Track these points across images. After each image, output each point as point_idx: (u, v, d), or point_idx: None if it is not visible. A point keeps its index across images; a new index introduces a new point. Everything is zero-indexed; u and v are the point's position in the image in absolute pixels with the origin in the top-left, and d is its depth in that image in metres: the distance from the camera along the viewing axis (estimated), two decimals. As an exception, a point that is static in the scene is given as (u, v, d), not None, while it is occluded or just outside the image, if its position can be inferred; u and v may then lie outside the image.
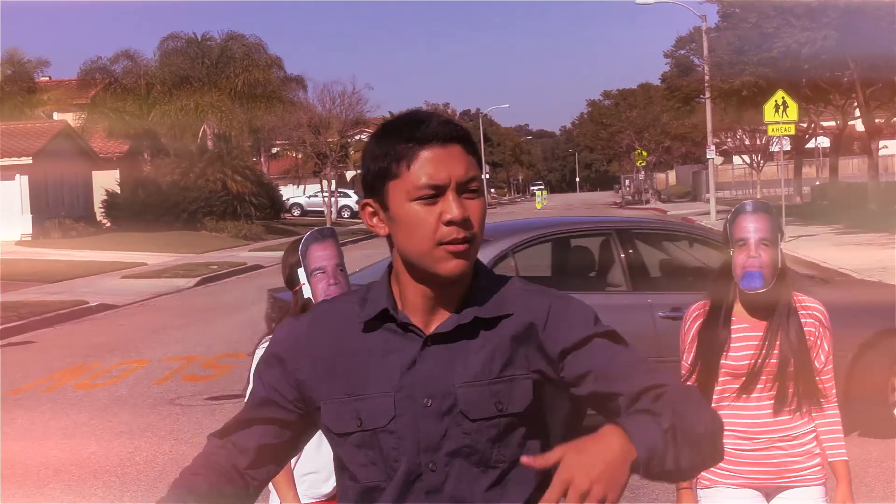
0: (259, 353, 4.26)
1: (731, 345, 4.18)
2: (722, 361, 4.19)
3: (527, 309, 2.24)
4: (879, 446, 8.77)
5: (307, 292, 4.13)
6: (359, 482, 2.24)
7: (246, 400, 2.46)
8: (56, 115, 53.53)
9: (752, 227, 4.11)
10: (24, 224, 41.54)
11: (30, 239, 40.79)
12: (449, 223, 2.13)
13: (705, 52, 45.70)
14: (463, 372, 2.19)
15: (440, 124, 2.17)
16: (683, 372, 4.31)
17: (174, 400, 12.02)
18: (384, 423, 2.18)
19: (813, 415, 4.20)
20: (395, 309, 2.23)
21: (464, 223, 2.13)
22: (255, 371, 2.38)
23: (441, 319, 2.23)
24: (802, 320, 4.19)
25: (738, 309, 4.23)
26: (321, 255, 4.09)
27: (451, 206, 2.13)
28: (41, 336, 18.58)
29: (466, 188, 2.16)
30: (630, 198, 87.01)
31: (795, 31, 33.84)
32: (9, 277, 28.74)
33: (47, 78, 59.80)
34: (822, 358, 4.20)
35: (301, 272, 4.14)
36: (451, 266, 2.16)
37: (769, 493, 4.21)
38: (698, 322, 4.27)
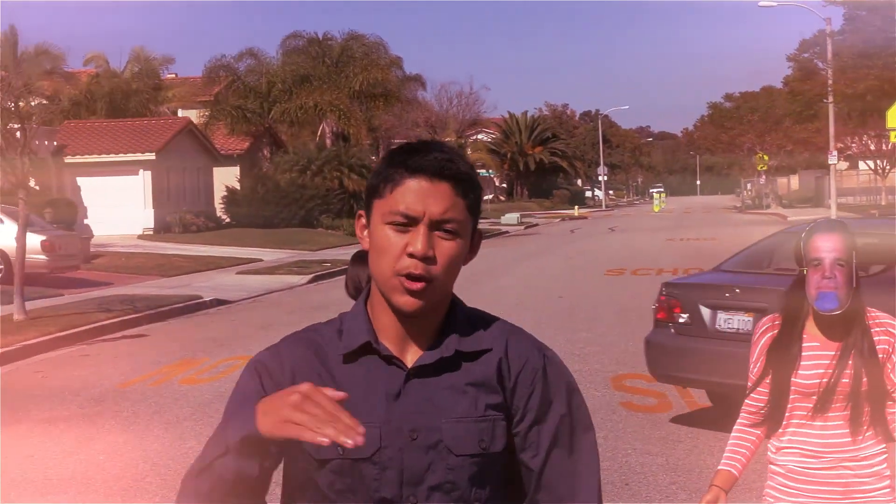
0: None
1: (801, 363, 4.14)
2: (792, 379, 4.15)
3: (503, 349, 2.29)
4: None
5: None
6: None
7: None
8: (180, 112, 54.71)
9: (827, 247, 4.05)
10: (146, 218, 42.55)
11: (151, 233, 41.78)
12: (411, 255, 2.14)
13: (829, 55, 44.82)
14: (449, 407, 2.22)
15: (436, 159, 2.17)
16: (749, 384, 4.28)
17: (275, 397, 12.19)
18: (369, 454, 2.18)
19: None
20: (377, 341, 2.24)
21: (426, 259, 2.14)
22: (238, 382, 2.34)
23: (415, 349, 2.25)
24: (875, 337, 4.12)
25: (809, 326, 4.18)
26: None
27: (416, 240, 2.14)
28: (155, 329, 19.02)
29: (441, 227, 2.17)
30: (750, 202, 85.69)
31: (922, 34, 33.02)
32: (129, 271, 29.52)
33: (173, 75, 61.14)
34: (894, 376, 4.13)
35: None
36: (403, 300, 2.17)
37: None
38: (767, 336, 4.23)
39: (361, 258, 4.52)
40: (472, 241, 2.27)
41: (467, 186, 2.20)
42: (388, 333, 2.25)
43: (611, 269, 28.91)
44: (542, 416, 2.29)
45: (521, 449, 2.29)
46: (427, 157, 2.18)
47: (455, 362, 2.25)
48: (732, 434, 4.33)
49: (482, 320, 2.33)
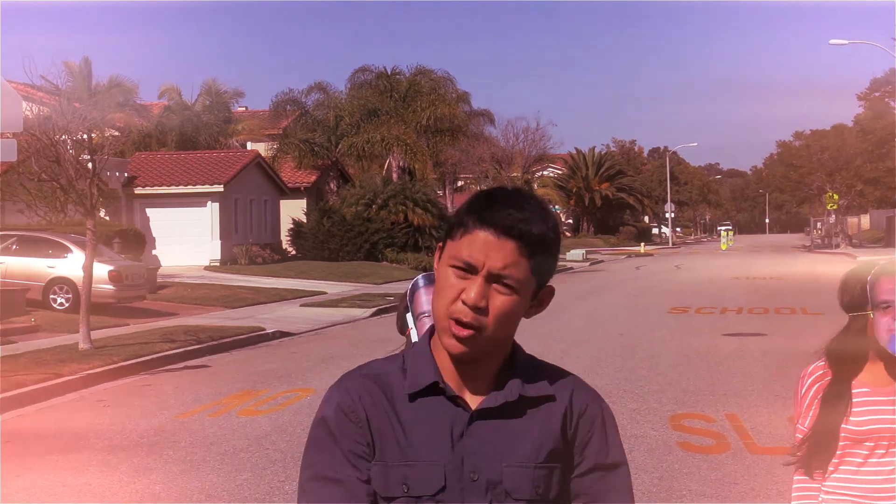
0: None
1: (853, 409, 4.08)
2: (843, 426, 4.09)
3: (565, 396, 2.36)
4: None
5: (415, 336, 4.19)
6: None
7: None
8: (248, 145, 55.34)
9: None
10: (213, 250, 43.00)
11: (218, 264, 42.19)
12: (463, 302, 2.19)
13: (900, 94, 44.31)
14: (510, 452, 2.27)
15: (509, 216, 2.21)
16: (800, 436, 4.21)
17: (331, 430, 12.22)
18: (432, 493, 2.24)
19: None
20: (444, 381, 2.29)
21: (476, 309, 2.19)
22: (327, 430, 2.35)
23: (476, 390, 2.30)
24: None
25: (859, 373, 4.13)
26: (430, 298, 4.15)
27: (471, 288, 2.20)
28: (217, 360, 19.18)
29: (500, 281, 2.21)
30: (819, 241, 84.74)
31: None
32: (194, 301, 29.82)
33: (242, 108, 61.92)
34: None
35: (409, 317, 4.21)
36: (449, 343, 2.23)
37: None
38: (818, 384, 4.17)
39: (405, 295, 4.55)
40: (539, 296, 2.32)
41: (536, 247, 2.23)
42: (449, 374, 2.31)
43: (675, 306, 28.71)
44: (594, 465, 2.36)
45: (574, 495, 2.36)
46: (501, 212, 2.22)
47: (519, 407, 2.30)
48: (796, 488, 4.24)
49: (543, 368, 2.39)
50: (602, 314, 27.18)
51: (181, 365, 18.48)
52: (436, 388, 2.29)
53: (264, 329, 23.21)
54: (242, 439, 11.83)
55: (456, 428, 2.26)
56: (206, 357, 19.52)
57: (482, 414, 2.27)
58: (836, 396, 4.11)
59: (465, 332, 2.19)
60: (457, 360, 2.27)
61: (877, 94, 58.28)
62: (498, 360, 2.32)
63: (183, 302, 29.84)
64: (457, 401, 2.28)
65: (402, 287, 36.97)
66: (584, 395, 2.38)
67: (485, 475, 2.24)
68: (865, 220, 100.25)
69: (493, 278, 2.20)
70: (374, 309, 28.95)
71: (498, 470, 2.24)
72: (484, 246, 2.19)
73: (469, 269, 2.20)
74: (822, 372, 4.18)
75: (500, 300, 2.21)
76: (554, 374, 2.38)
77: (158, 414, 13.53)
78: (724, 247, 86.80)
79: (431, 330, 2.36)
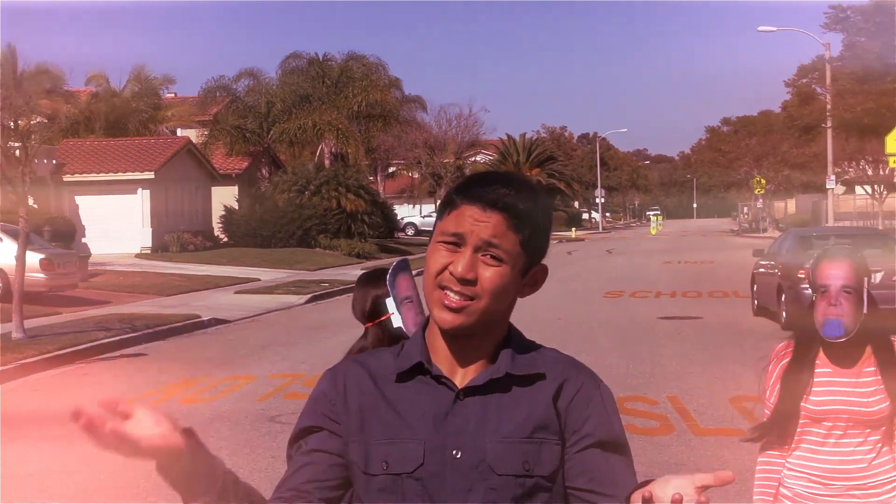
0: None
1: (813, 388, 4.13)
2: (802, 405, 4.14)
3: (558, 375, 2.32)
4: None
5: (397, 321, 4.17)
6: None
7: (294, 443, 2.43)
8: (179, 132, 54.79)
9: (834, 274, 4.05)
10: (143, 237, 42.55)
11: (149, 252, 41.77)
12: (451, 274, 2.19)
13: (828, 80, 44.96)
14: (495, 428, 2.24)
15: (494, 191, 2.22)
16: (766, 412, 4.27)
17: (275, 417, 12.19)
18: (411, 470, 2.21)
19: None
20: (429, 361, 2.28)
21: (463, 280, 2.19)
22: (302, 414, 2.40)
23: (469, 372, 2.29)
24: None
25: (823, 352, 4.18)
26: (410, 283, 4.15)
27: (459, 259, 2.20)
28: (154, 349, 18.99)
29: (488, 252, 2.21)
30: (747, 225, 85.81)
31: (921, 60, 33.14)
32: (126, 289, 29.50)
33: (172, 95, 61.27)
34: None
35: (390, 301, 4.19)
36: (441, 315, 2.22)
37: None
38: (783, 363, 4.23)
39: (368, 280, 4.54)
40: (531, 274, 2.31)
41: (523, 221, 2.23)
42: (442, 355, 2.30)
43: (610, 291, 28.92)
44: (595, 441, 2.30)
45: (575, 474, 2.29)
46: (487, 188, 2.23)
47: (506, 384, 2.28)
48: (759, 469, 4.30)
49: (538, 349, 2.38)
50: (537, 299, 27.02)
51: (118, 353, 18.28)
52: (422, 369, 2.28)
53: (200, 316, 23.02)
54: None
55: (441, 407, 2.24)
56: (143, 345, 19.32)
57: (468, 392, 2.25)
58: (795, 375, 4.17)
59: (457, 303, 2.19)
60: (450, 335, 2.25)
61: (804, 81, 59.06)
62: (491, 340, 2.30)
63: (115, 290, 29.49)
64: (440, 379, 2.26)
65: (336, 273, 36.96)
66: (579, 374, 2.34)
67: (468, 452, 2.21)
68: (792, 205, 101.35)
69: (480, 248, 2.19)
70: (310, 295, 28.84)
71: (482, 446, 2.21)
72: (471, 219, 2.20)
73: (457, 242, 2.21)
74: (785, 353, 4.25)
75: (489, 271, 2.20)
76: (548, 355, 2.36)
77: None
78: (653, 231, 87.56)
79: (429, 317, 2.34)
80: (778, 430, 4.20)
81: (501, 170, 2.93)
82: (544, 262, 2.34)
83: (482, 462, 2.21)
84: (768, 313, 21.63)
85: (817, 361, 4.17)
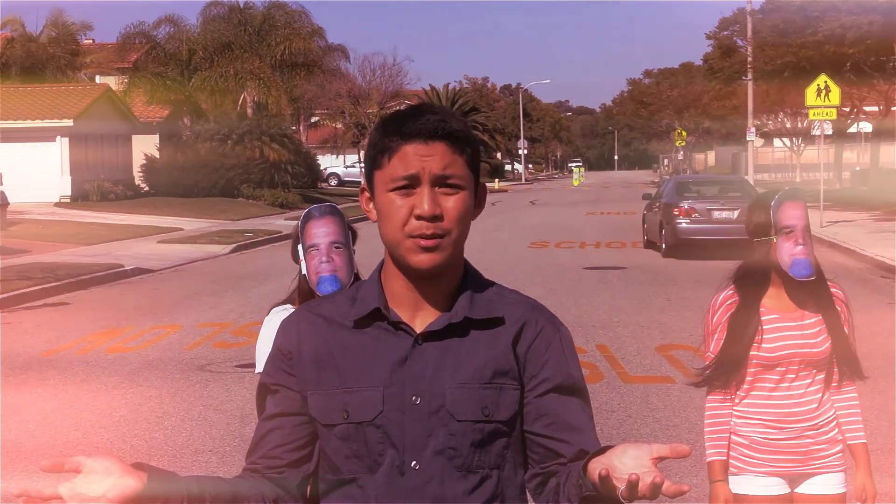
0: (268, 319, 4.27)
1: (764, 336, 4.17)
2: (753, 353, 4.18)
3: (518, 318, 2.31)
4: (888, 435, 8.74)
5: (303, 269, 4.14)
6: (340, 473, 2.27)
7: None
8: (98, 79, 53.82)
9: (798, 214, 4.09)
10: (63, 186, 41.84)
11: (68, 201, 41.11)
12: (419, 217, 2.17)
13: (749, 33, 45.33)
14: (454, 373, 2.23)
15: (428, 121, 2.19)
16: (707, 361, 4.30)
17: (204, 366, 12.12)
18: (371, 417, 2.21)
19: (833, 398, 4.22)
20: (387, 307, 2.26)
21: (432, 218, 2.16)
22: (263, 368, 2.40)
23: (430, 317, 2.26)
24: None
25: (765, 300, 4.22)
26: (316, 232, 4.07)
27: (421, 200, 2.17)
28: (76, 298, 18.75)
29: (444, 183, 2.18)
30: (668, 177, 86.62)
31: (841, 14, 33.54)
32: (46, 239, 29.02)
33: (90, 41, 60.11)
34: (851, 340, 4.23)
35: (300, 248, 4.15)
36: (419, 258, 2.19)
37: (794, 479, 4.24)
38: (729, 313, 4.24)
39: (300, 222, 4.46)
40: (478, 194, 2.28)
41: (463, 143, 2.21)
42: (401, 301, 2.27)
43: (534, 241, 29.06)
44: (554, 386, 2.30)
45: (533, 418, 2.29)
46: (419, 120, 2.19)
47: (464, 329, 2.26)
48: (708, 415, 4.32)
49: (496, 290, 2.35)
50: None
51: (40, 303, 18.03)
52: (379, 315, 2.26)
53: (123, 266, 22.75)
54: (114, 376, 11.63)
55: (399, 353, 2.23)
56: (66, 294, 19.05)
57: (426, 337, 2.24)
58: (744, 320, 4.20)
59: (432, 242, 2.17)
60: (424, 276, 2.22)
61: (725, 34, 59.33)
62: (454, 278, 2.28)
63: (35, 239, 28.98)
64: (399, 325, 2.24)
65: (260, 223, 36.73)
66: (539, 317, 2.33)
67: (427, 398, 2.20)
68: (711, 157, 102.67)
69: (436, 181, 2.17)
70: (234, 245, 28.62)
71: (440, 392, 2.20)
72: (416, 156, 2.17)
73: (411, 184, 2.17)
74: (731, 301, 4.27)
75: (451, 201, 2.18)
76: (508, 297, 2.34)
77: (22, 352, 13.18)
78: (576, 183, 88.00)
79: (381, 263, 2.33)
80: (724, 375, 4.23)
81: (412, 104, 2.86)
82: None
83: (441, 408, 2.21)
84: (654, 245, 25.80)
85: (762, 308, 4.20)
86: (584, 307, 16.05)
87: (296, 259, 4.20)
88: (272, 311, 4.30)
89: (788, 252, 4.07)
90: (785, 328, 4.16)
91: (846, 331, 4.20)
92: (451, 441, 2.21)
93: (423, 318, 2.26)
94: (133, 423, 9.54)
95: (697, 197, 25.09)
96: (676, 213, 23.96)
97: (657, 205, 25.93)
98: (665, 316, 15.05)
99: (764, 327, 4.16)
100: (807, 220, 4.11)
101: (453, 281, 2.28)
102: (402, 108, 2.33)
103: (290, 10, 57.27)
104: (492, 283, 2.36)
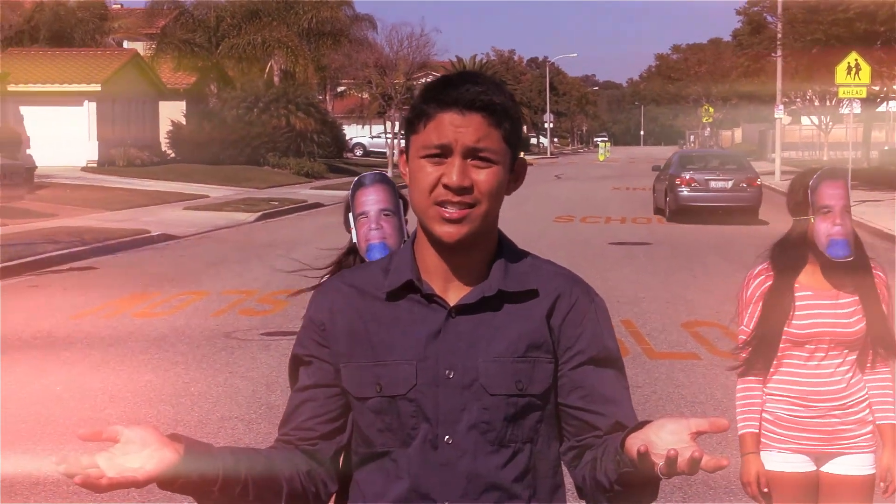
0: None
1: (796, 312, 4.15)
2: (785, 329, 4.17)
3: (552, 290, 2.29)
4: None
5: (354, 237, 4.15)
6: (374, 446, 2.26)
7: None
8: (126, 44, 53.89)
9: (837, 194, 4.06)
10: (90, 151, 41.96)
11: (95, 166, 41.23)
12: (446, 187, 2.15)
13: (779, 9, 44.98)
14: (487, 347, 2.22)
15: (467, 91, 2.16)
16: (744, 337, 4.29)
17: (230, 333, 12.17)
18: (404, 391, 2.20)
19: (865, 378, 4.21)
20: (419, 279, 2.24)
21: (460, 190, 2.14)
22: (296, 339, 2.39)
23: (462, 288, 2.25)
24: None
25: (802, 276, 4.20)
26: (366, 199, 4.07)
27: (451, 170, 2.14)
28: (102, 262, 18.83)
29: (476, 156, 2.16)
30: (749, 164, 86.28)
31: (873, -9, 33.19)
32: (74, 203, 29.14)
33: (119, 6, 60.17)
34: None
35: (350, 217, 4.16)
36: (442, 230, 2.17)
37: (820, 458, 4.23)
38: (763, 287, 4.22)
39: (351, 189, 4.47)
40: (515, 169, 2.26)
41: (501, 116, 2.18)
42: (434, 272, 2.25)
43: (560, 215, 29.02)
44: (589, 358, 2.28)
45: (568, 390, 2.28)
46: (459, 89, 2.16)
47: (498, 302, 2.24)
48: (739, 388, 4.31)
49: (530, 261, 2.32)
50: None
51: (66, 266, 18.11)
52: (412, 287, 2.25)
53: (149, 231, 22.85)
54: (141, 341, 11.69)
55: (432, 326, 2.22)
56: (92, 259, 19.13)
57: (460, 310, 2.22)
58: (777, 298, 4.18)
59: (457, 213, 2.14)
60: (451, 248, 2.19)
61: (755, 10, 58.87)
62: (486, 249, 2.26)
63: (62, 203, 29.09)
64: (432, 298, 2.23)
65: (285, 192, 36.78)
66: (573, 288, 2.31)
67: (461, 372, 2.20)
68: (738, 134, 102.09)
69: (469, 153, 2.14)
70: (259, 213, 28.68)
71: (474, 366, 2.19)
72: (451, 125, 2.14)
73: (443, 153, 2.15)
74: (765, 276, 4.25)
75: (482, 174, 2.15)
76: (544, 268, 2.33)
77: (49, 316, 13.26)
78: (601, 158, 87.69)
79: (415, 233, 2.30)
80: (762, 357, 4.22)
81: (458, 71, 2.84)
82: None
83: (475, 381, 2.20)
84: (661, 212, 29.16)
85: (796, 285, 4.19)
86: (609, 282, 16.01)
87: (348, 228, 4.21)
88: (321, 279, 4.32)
89: (826, 232, 4.05)
90: (817, 306, 4.15)
91: (884, 312, 4.17)
92: (484, 415, 2.20)
93: (455, 290, 2.24)
94: (159, 389, 9.59)
95: (698, 169, 28.59)
96: (678, 182, 27.78)
97: (664, 175, 29.48)
98: (690, 292, 15.01)
99: (796, 304, 4.14)
100: (846, 200, 4.07)
101: (486, 252, 2.26)
102: (440, 77, 2.29)
103: (317, -23, 57.12)
104: (527, 254, 2.34)
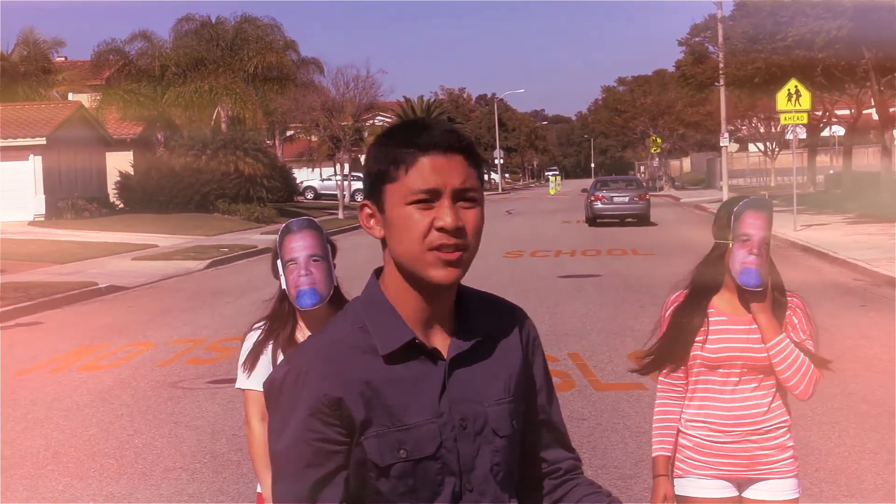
0: (251, 336, 4.30)
1: (709, 336, 4.21)
2: (697, 352, 4.22)
3: (517, 326, 2.38)
4: (873, 438, 8.79)
5: (283, 283, 4.16)
6: None
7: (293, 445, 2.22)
8: (71, 97, 53.67)
9: (759, 224, 4.11)
10: (37, 205, 41.67)
11: (42, 219, 40.95)
12: (441, 230, 2.13)
13: (720, 39, 45.63)
14: (488, 392, 2.26)
15: (444, 133, 2.16)
16: (644, 352, 4.37)
17: (176, 383, 12.09)
18: (432, 451, 2.19)
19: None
20: (418, 337, 2.21)
21: (455, 231, 2.13)
22: (297, 424, 2.19)
23: (440, 333, 2.24)
24: (787, 313, 4.22)
25: (717, 300, 4.25)
26: (294, 246, 4.09)
27: (444, 213, 2.13)
28: (50, 317, 18.67)
29: (464, 197, 2.16)
30: (644, 184, 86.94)
31: (810, 20, 33.69)
32: (20, 258, 28.89)
33: (63, 59, 59.93)
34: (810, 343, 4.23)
35: (279, 263, 4.17)
36: (441, 273, 2.14)
37: (741, 483, 4.26)
38: (675, 305, 4.31)
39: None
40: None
41: (477, 157, 2.21)
42: (413, 321, 2.22)
43: (510, 250, 29.09)
44: (542, 385, 2.42)
45: (540, 413, 2.40)
46: (431, 133, 2.16)
47: (485, 346, 2.29)
48: (656, 411, 4.37)
49: (489, 298, 2.38)
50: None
51: (13, 322, 17.94)
52: (412, 345, 2.20)
53: (97, 284, 22.66)
54: (86, 395, 11.59)
55: (436, 379, 2.21)
56: (39, 314, 18.97)
57: (456, 361, 2.22)
58: (687, 315, 4.24)
59: (455, 255, 2.13)
60: (445, 289, 2.18)
61: (697, 40, 59.60)
62: (454, 292, 2.26)
63: (9, 258, 28.82)
64: (431, 352, 2.21)
65: (236, 238, 36.65)
66: (527, 321, 2.40)
67: (472, 420, 2.23)
68: (687, 163, 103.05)
69: (457, 195, 2.14)
70: (209, 261, 28.52)
71: (482, 412, 2.23)
72: (436, 168, 2.13)
73: (431, 197, 2.13)
74: (681, 297, 4.33)
75: (470, 214, 2.16)
76: (499, 303, 2.38)
77: (-6, 373, 13.11)
78: (552, 192, 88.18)
79: (377, 274, 2.26)
80: (660, 364, 4.31)
81: (412, 117, 2.86)
82: None
83: (486, 427, 2.24)
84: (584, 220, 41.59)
85: (711, 310, 4.24)
86: (557, 316, 16.08)
87: (276, 274, 4.21)
88: (254, 327, 4.33)
89: (741, 259, 4.11)
90: (730, 331, 4.20)
91: (791, 336, 4.21)
92: (495, 457, 2.26)
93: (435, 336, 2.24)
94: (103, 442, 9.51)
95: (608, 189, 42.03)
96: (593, 198, 41.48)
97: (587, 194, 43.39)
98: (638, 322, 15.07)
99: (710, 328, 4.20)
100: (767, 233, 4.12)
101: (454, 293, 2.27)
102: (401, 122, 2.27)
103: (261, 23, 57.29)
104: (479, 292, 2.36)
